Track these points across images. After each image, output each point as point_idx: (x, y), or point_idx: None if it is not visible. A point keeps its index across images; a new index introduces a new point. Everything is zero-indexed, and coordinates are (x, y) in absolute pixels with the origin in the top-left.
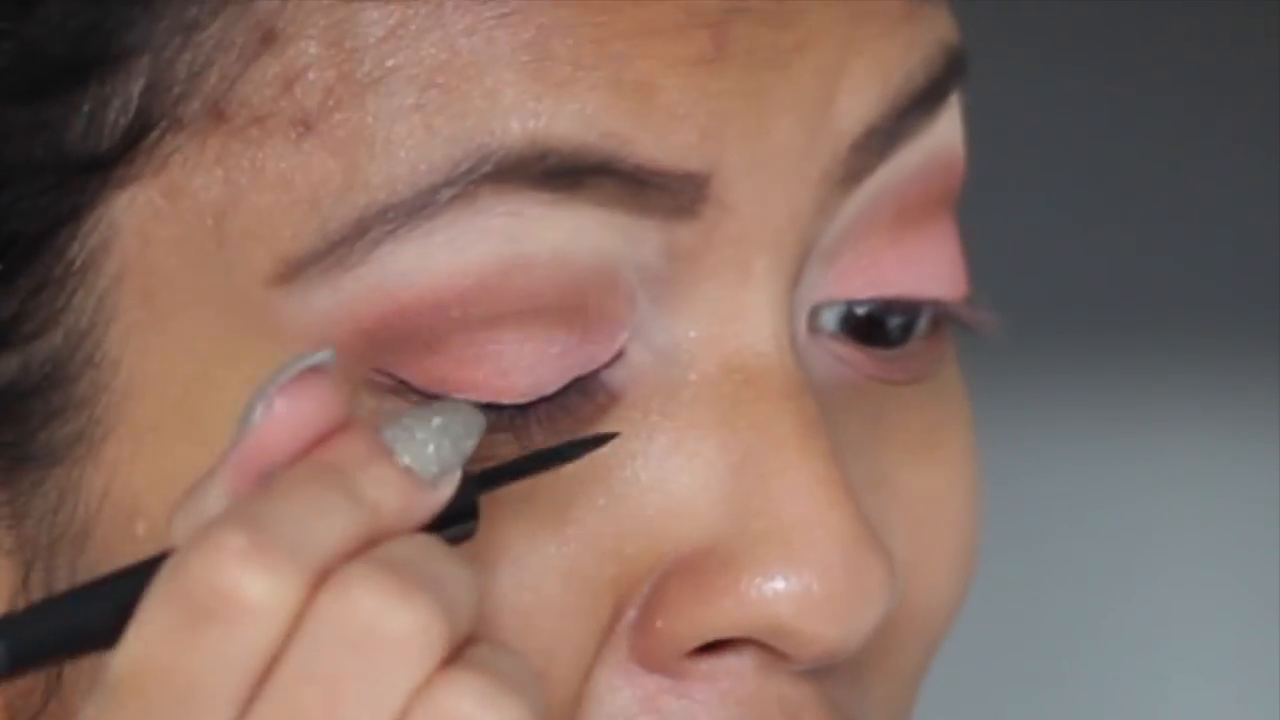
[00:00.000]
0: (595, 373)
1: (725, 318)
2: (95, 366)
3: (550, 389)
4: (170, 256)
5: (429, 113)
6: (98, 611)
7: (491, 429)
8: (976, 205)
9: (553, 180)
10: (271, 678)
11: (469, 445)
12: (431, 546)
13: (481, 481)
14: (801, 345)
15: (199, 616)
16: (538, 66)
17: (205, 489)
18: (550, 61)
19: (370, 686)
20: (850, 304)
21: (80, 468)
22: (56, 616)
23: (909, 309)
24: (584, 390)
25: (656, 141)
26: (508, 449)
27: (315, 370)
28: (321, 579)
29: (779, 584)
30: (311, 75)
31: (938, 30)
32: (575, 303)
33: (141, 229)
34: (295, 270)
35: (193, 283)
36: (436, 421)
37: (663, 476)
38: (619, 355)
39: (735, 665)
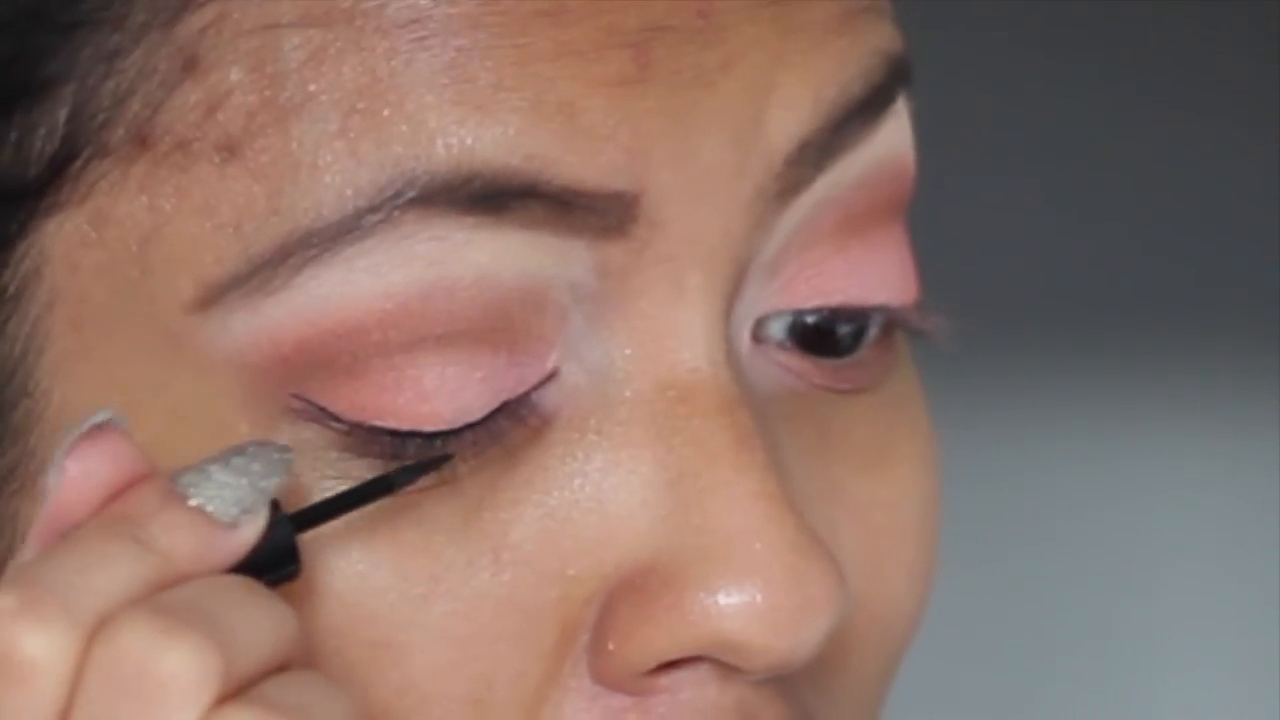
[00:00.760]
0: (526, 395)
1: (658, 335)
2: (29, 396)
3: (476, 414)
4: (97, 284)
5: (352, 138)
6: None
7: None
8: (975, 205)
9: (478, 204)
10: None
11: (271, 484)
12: (220, 585)
13: (298, 520)
14: (744, 358)
15: None
16: (458, 89)
17: (20, 559)
18: (471, 85)
19: None
20: (797, 313)
21: (15, 501)
22: None
23: (857, 316)
24: (514, 415)
25: (581, 162)
26: (428, 482)
27: (103, 427)
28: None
29: (722, 599)
30: (234, 101)
31: (875, 40)
32: (500, 324)
33: (69, 256)
34: (216, 295)
35: (118, 310)
36: (235, 461)
37: (601, 495)
38: (552, 375)
39: (694, 676)
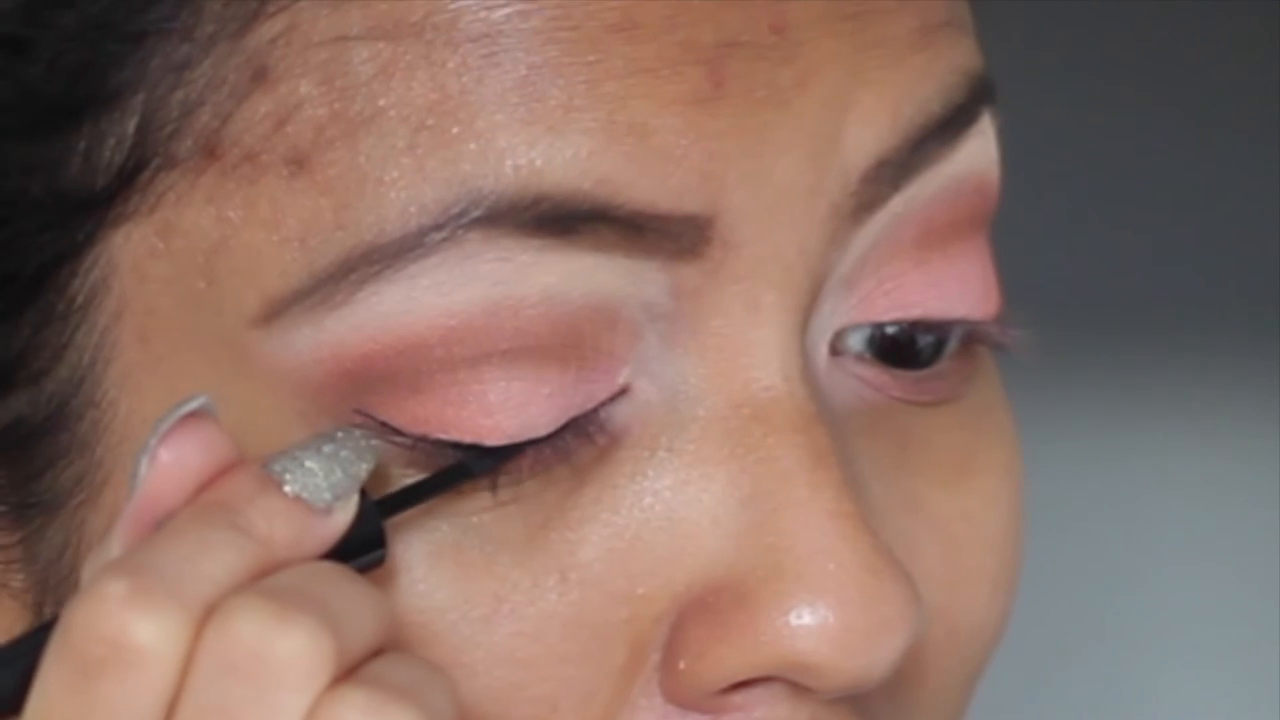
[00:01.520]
0: (594, 412)
1: (733, 354)
2: (96, 407)
3: (542, 430)
4: (164, 296)
5: (420, 155)
6: (2, 680)
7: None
8: None
9: (545, 226)
10: (173, 717)
11: (362, 470)
12: (321, 570)
13: (384, 507)
14: (820, 374)
15: (92, 668)
16: (529, 109)
17: (105, 545)
18: (541, 104)
19: (264, 712)
20: (877, 325)
21: (82, 512)
22: None
23: (937, 329)
24: (581, 432)
25: (653, 185)
26: (485, 500)
27: (195, 414)
28: (209, 615)
29: (795, 618)
30: (303, 113)
31: (956, 57)
32: (569, 341)
33: (137, 266)
34: (280, 309)
35: (184, 323)
36: (326, 448)
37: (671, 514)
38: (623, 392)
39: (767, 694)
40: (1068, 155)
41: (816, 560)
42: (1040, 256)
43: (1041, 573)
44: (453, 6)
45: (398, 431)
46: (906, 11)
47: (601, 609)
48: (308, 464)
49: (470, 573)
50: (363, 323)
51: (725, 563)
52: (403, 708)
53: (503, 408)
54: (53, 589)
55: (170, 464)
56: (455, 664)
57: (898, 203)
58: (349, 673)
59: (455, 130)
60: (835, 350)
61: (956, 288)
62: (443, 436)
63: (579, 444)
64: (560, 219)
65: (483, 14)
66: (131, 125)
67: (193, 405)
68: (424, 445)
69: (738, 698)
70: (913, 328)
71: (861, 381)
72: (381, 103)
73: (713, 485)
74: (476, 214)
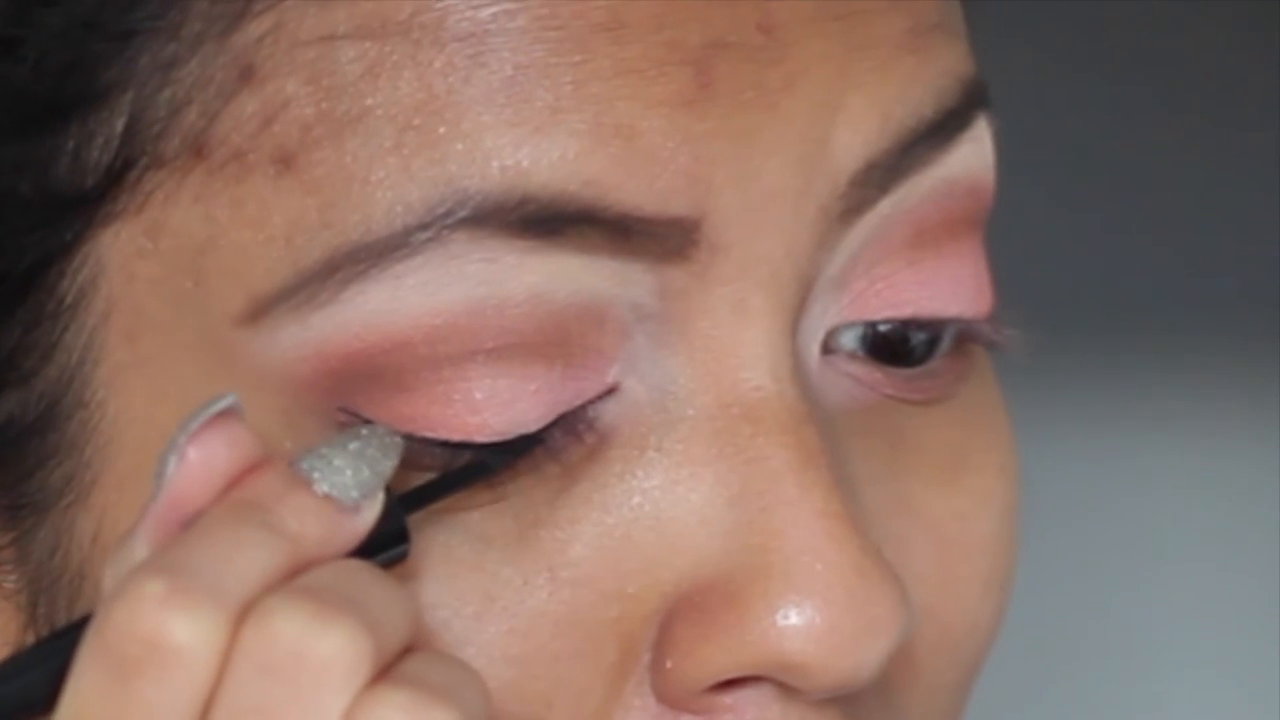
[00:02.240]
0: (583, 409)
1: (721, 355)
2: (85, 407)
3: (530, 426)
4: (152, 295)
5: (406, 154)
6: (34, 680)
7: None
8: None
9: (531, 227)
10: (209, 717)
11: (388, 467)
12: (353, 569)
13: (407, 502)
14: (812, 374)
15: (128, 668)
16: (515, 110)
17: (130, 544)
18: (528, 105)
19: (302, 712)
20: (869, 323)
21: (72, 512)
22: None
23: (930, 327)
24: (570, 429)
25: (640, 187)
26: (482, 496)
27: (224, 414)
28: (245, 614)
29: (782, 618)
30: (290, 112)
31: (947, 60)
32: (556, 338)
33: (125, 266)
34: (265, 308)
35: (172, 322)
36: (353, 446)
37: (660, 513)
38: (612, 390)
39: (757, 696)
40: (1063, 154)
41: (804, 560)
42: (1035, 255)
43: (1038, 573)
44: (439, 5)
45: None
46: (897, 13)
47: (592, 608)
48: (335, 462)
49: (460, 569)
50: (348, 321)
51: (713, 562)
52: (445, 708)
53: (489, 405)
54: (45, 590)
55: (199, 463)
56: None
57: (886, 205)
58: (385, 672)
59: (441, 130)
60: (828, 349)
61: (949, 287)
62: (429, 434)
63: (568, 442)
64: (546, 220)
65: (469, 13)
66: (119, 124)
67: (222, 405)
68: (411, 444)
69: (728, 699)
70: (905, 326)
71: (854, 379)
72: (368, 102)
73: (701, 485)
74: (462, 214)
